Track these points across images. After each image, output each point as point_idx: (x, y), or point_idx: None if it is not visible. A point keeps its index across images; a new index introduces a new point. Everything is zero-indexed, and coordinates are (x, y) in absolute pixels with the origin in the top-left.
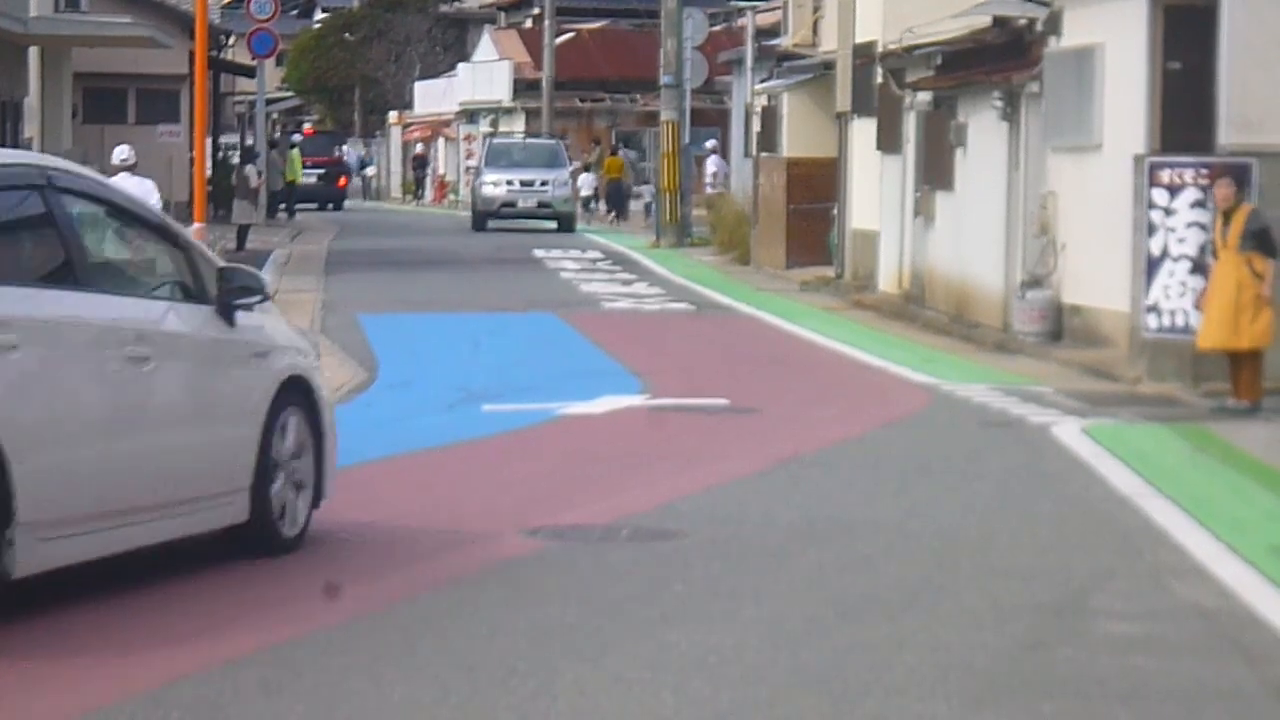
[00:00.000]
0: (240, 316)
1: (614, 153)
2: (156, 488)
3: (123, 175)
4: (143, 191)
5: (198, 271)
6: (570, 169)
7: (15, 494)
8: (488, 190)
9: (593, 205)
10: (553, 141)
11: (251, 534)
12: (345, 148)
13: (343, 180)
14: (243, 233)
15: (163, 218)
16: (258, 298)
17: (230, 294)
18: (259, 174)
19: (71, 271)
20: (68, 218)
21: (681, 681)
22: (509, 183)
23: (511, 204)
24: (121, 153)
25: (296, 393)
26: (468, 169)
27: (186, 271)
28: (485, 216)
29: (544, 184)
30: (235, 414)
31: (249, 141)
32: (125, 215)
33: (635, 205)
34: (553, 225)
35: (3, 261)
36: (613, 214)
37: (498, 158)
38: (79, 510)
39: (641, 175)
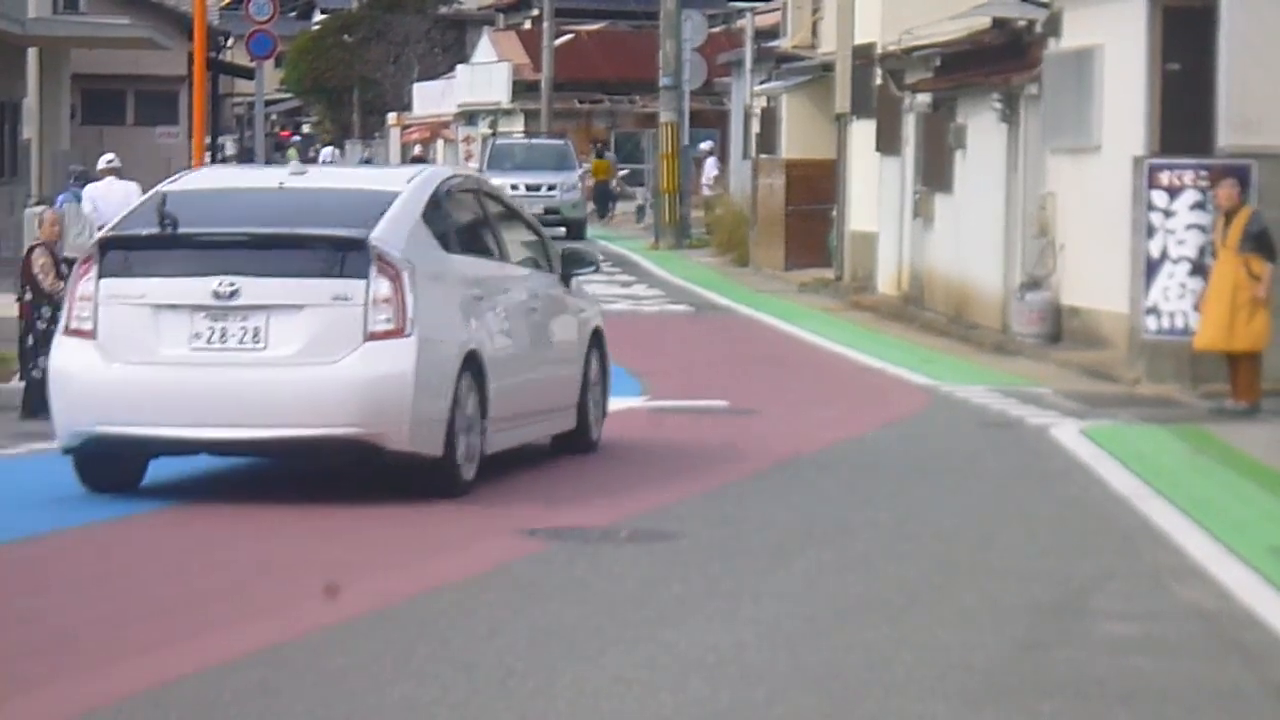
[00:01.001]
0: (572, 283)
1: (599, 155)
2: (541, 400)
3: (109, 180)
4: (125, 193)
5: (548, 251)
6: (580, 171)
7: (489, 399)
8: None
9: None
10: (560, 141)
11: (576, 438)
12: (328, 150)
13: None
14: None
15: (528, 213)
16: (591, 268)
17: (571, 266)
18: None
19: (500, 248)
20: (491, 214)
21: (680, 681)
22: (513, 187)
23: None
24: (106, 158)
25: (596, 338)
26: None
27: (541, 251)
28: None
29: (551, 188)
30: (571, 351)
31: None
32: (510, 212)
33: (625, 206)
34: (560, 232)
35: (468, 241)
36: (600, 215)
37: (501, 159)
38: (509, 412)
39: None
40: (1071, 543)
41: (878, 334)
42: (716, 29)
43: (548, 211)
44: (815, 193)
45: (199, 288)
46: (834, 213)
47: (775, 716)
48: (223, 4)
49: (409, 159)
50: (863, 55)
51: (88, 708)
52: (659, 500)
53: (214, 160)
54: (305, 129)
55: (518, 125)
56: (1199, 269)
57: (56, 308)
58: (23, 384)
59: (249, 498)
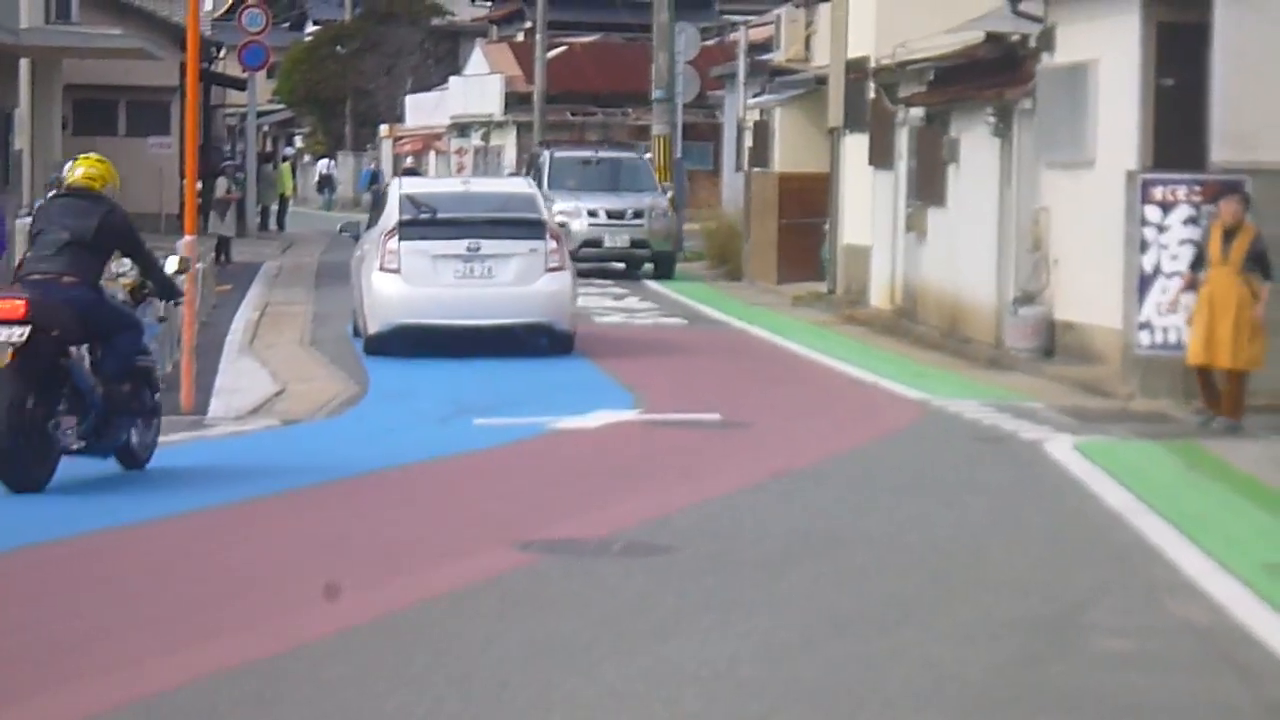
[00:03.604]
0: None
1: None
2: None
3: None
4: None
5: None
6: (669, 194)
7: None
8: (562, 224)
9: None
10: (632, 154)
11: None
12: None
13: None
14: (222, 244)
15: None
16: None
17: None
18: (229, 187)
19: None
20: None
21: (675, 694)
22: (591, 214)
23: (595, 243)
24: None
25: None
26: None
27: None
28: None
29: (637, 215)
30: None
31: (226, 155)
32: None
33: None
34: (645, 269)
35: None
36: None
37: (562, 178)
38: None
39: None
40: (1065, 558)
41: (870, 348)
42: (710, 42)
43: (634, 245)
44: (808, 206)
45: (457, 246)
46: (827, 226)
47: None
48: (215, 15)
49: (400, 170)
50: (856, 69)
51: (81, 717)
52: (653, 512)
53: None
54: (298, 140)
55: (510, 138)
56: (1193, 285)
57: None
58: None
59: (241, 507)
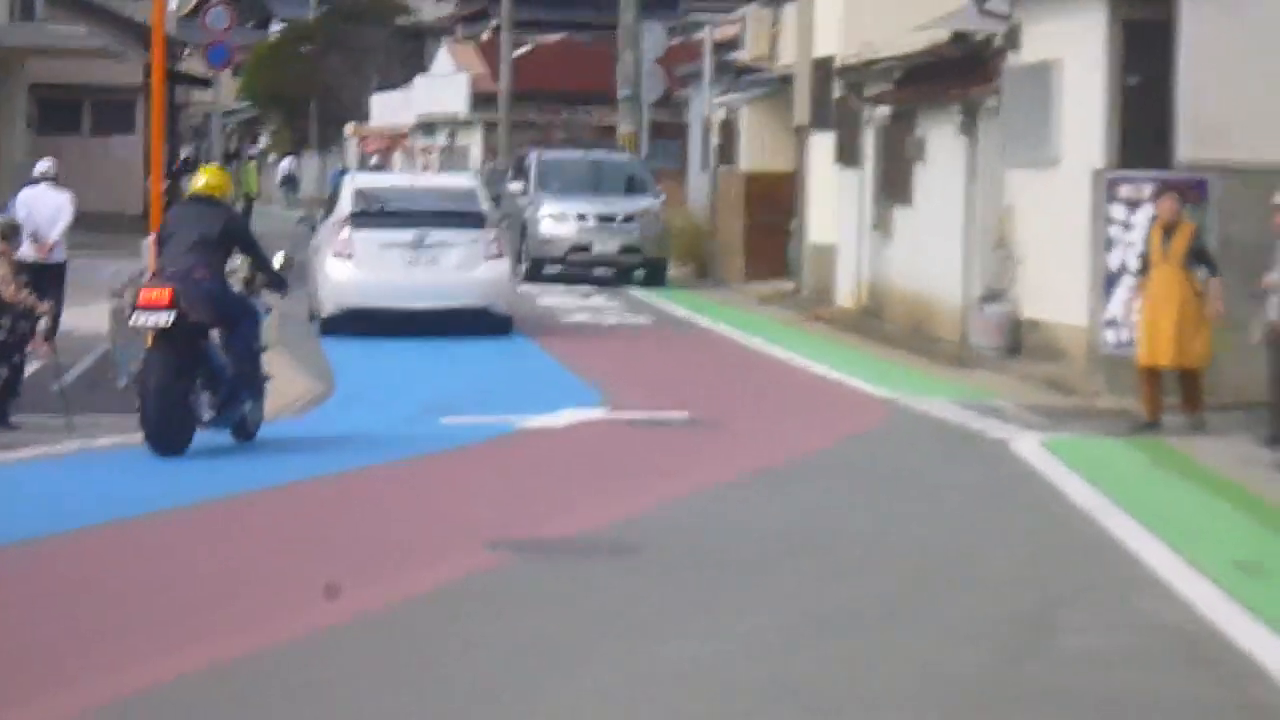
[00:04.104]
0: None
1: None
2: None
3: (44, 186)
4: (58, 204)
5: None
6: (660, 199)
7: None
8: (549, 228)
9: None
10: (625, 157)
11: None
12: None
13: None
14: None
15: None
16: None
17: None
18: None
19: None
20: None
21: (660, 694)
22: (580, 217)
23: (585, 247)
24: (43, 165)
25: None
26: None
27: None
28: (542, 265)
29: (629, 219)
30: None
31: (186, 154)
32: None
33: None
34: (636, 277)
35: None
36: None
37: (550, 179)
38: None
39: None
40: (1038, 556)
41: (837, 346)
42: (675, 41)
43: (624, 251)
44: (775, 205)
45: (405, 235)
46: (793, 225)
47: None
48: (180, 13)
49: (367, 168)
50: (822, 67)
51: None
52: (624, 511)
53: (171, 173)
54: (263, 139)
55: (476, 137)
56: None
57: (19, 317)
58: None
59: (206, 508)
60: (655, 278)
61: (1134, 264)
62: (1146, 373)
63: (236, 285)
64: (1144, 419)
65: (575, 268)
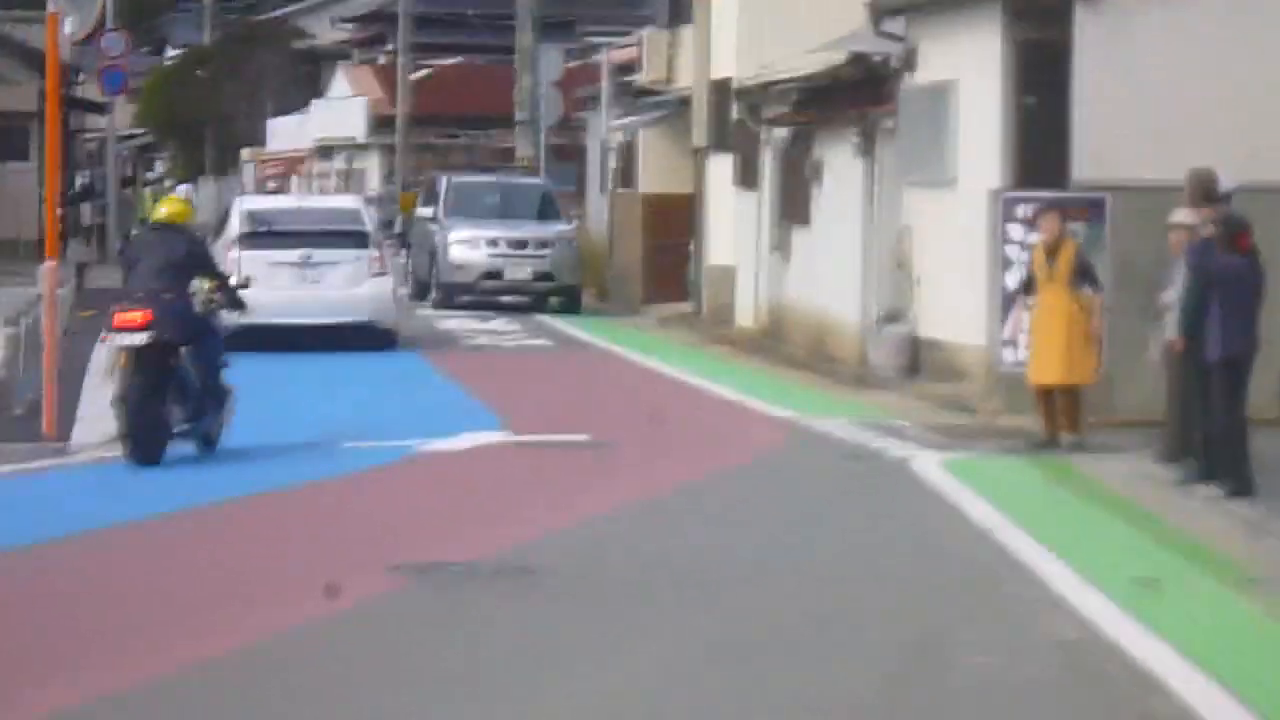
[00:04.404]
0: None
1: (405, 189)
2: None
3: None
4: None
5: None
6: (573, 225)
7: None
8: (460, 254)
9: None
10: (538, 182)
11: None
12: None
13: None
14: (80, 270)
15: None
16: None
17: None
18: (94, 212)
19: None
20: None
21: None
22: (491, 243)
23: (496, 274)
24: None
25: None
26: None
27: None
28: (454, 292)
29: (543, 246)
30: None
31: (83, 181)
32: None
33: None
34: (542, 304)
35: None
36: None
37: (464, 206)
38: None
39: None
40: (934, 576)
41: (737, 367)
42: (573, 64)
43: (538, 278)
44: (674, 227)
45: (292, 254)
46: (692, 247)
47: None
48: (75, 39)
49: (264, 194)
50: (720, 89)
51: None
52: (523, 534)
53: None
54: (159, 165)
55: (374, 161)
56: (1023, 306)
57: None
58: None
59: (102, 534)
60: (570, 305)
61: (1019, 283)
62: (1039, 391)
63: (197, 306)
64: (1041, 437)
65: (487, 295)
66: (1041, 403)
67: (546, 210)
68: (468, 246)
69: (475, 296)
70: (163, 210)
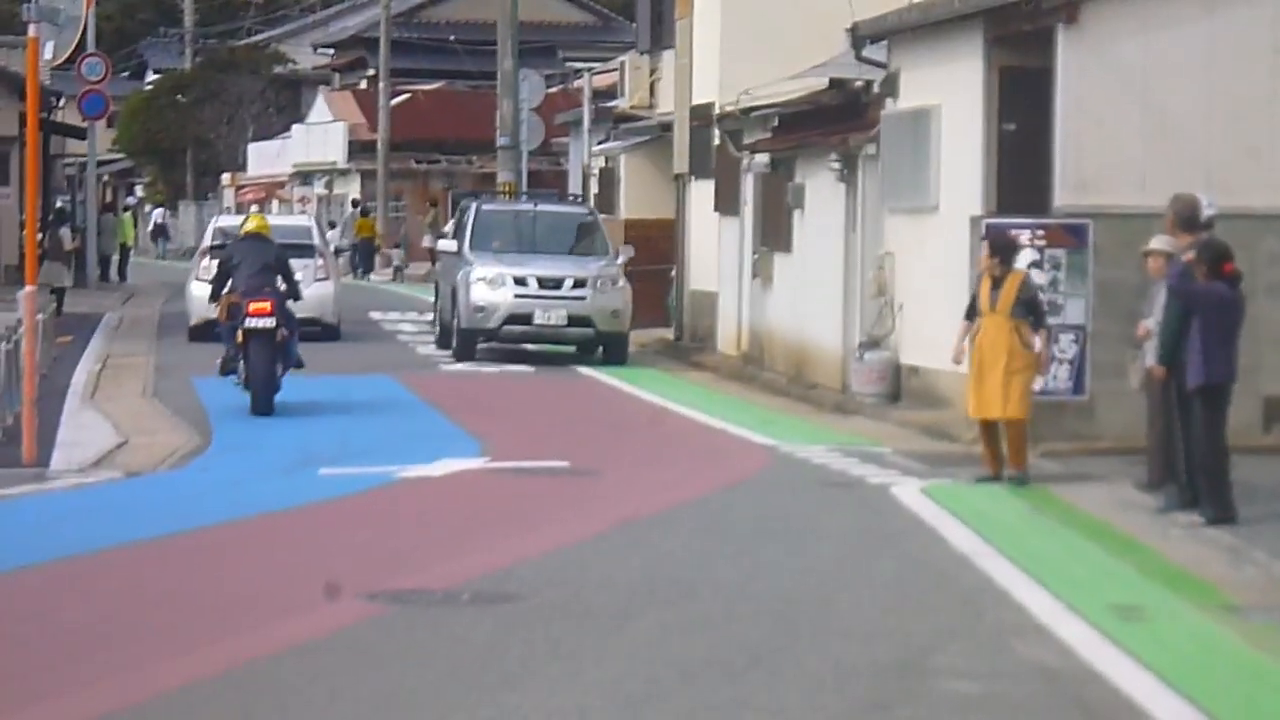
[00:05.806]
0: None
1: (364, 214)
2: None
3: None
4: None
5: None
6: (622, 260)
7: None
8: (482, 294)
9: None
10: (582, 210)
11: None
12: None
13: None
14: (59, 295)
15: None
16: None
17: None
18: (74, 237)
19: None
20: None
21: None
22: (520, 282)
23: (524, 318)
24: None
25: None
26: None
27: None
28: (475, 338)
29: (579, 285)
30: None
31: (60, 204)
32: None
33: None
34: (589, 352)
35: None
36: (360, 270)
37: (487, 236)
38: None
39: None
40: (913, 602)
41: (718, 394)
42: (554, 89)
43: (573, 323)
44: (654, 253)
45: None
46: (673, 273)
47: None
48: (55, 64)
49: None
50: (701, 115)
51: None
52: (501, 561)
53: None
54: (139, 189)
55: (354, 186)
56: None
57: None
58: None
59: (81, 560)
60: (615, 356)
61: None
62: (981, 425)
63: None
64: (986, 472)
65: (512, 342)
66: (983, 437)
67: (588, 243)
68: (491, 286)
69: (498, 344)
70: (251, 224)
